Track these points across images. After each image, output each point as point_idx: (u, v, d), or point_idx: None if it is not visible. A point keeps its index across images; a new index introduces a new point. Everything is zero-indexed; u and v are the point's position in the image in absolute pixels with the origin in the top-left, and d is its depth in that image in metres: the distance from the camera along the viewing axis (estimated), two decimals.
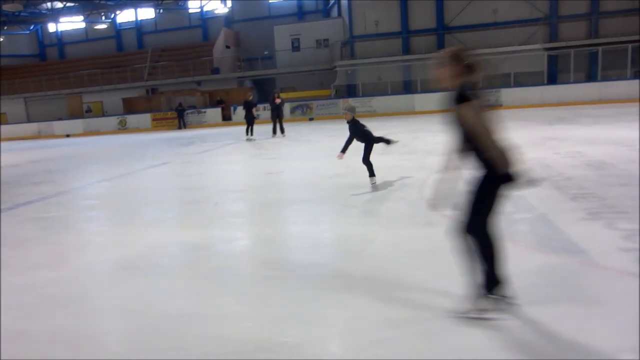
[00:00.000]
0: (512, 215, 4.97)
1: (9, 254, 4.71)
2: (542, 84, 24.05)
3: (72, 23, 36.35)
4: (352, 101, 23.02)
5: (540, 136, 11.02)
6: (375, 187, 6.70)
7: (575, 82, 23.80)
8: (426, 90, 25.60)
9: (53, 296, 3.59)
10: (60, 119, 30.65)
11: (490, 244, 2.75)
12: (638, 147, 8.42)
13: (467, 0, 25.76)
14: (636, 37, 22.81)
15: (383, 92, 25.56)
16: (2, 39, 34.29)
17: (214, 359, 2.58)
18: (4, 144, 23.37)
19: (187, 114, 27.09)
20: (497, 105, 22.84)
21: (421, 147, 10.82)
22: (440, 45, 26.56)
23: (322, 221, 5.48)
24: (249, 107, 15.80)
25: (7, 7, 28.15)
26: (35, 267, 4.27)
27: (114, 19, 36.05)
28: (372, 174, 6.89)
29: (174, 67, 31.20)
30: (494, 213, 2.75)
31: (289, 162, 10.59)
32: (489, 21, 25.50)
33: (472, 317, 2.74)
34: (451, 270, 3.60)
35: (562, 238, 4.06)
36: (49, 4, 33.17)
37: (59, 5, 33.27)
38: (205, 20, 34.78)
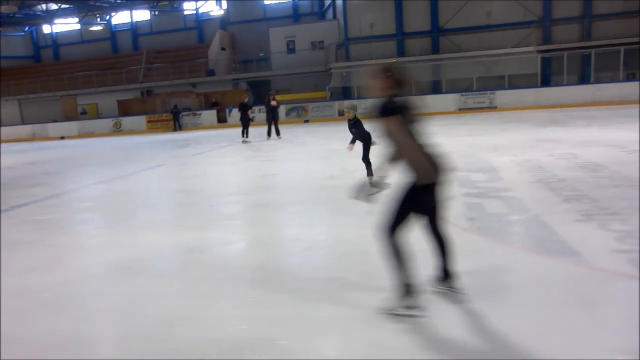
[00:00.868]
0: (506, 216, 5.02)
1: (4, 256, 4.70)
2: (535, 86, 24.20)
3: (67, 25, 36.25)
4: (347, 102, 23.05)
5: (534, 138, 11.10)
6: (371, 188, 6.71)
7: (568, 84, 23.97)
8: (421, 92, 25.73)
9: (48, 299, 3.58)
10: (55, 121, 30.52)
11: (399, 250, 2.88)
12: (630, 149, 8.50)
13: (462, 1, 25.87)
14: (628, 40, 23.01)
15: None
16: None
17: None
18: None
19: (183, 116, 27.05)
20: (493, 107, 22.98)
21: None
22: (435, 47, 26.70)
23: (317, 223, 5.50)
24: (244, 109, 15.79)
25: (1, 9, 28.02)
26: (31, 269, 4.26)
27: (109, 21, 35.98)
28: (370, 172, 6.94)
29: (169, 69, 31.16)
30: (409, 220, 2.91)
31: (284, 165, 10.61)
32: (483, 23, 25.65)
33: (399, 314, 2.87)
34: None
35: (556, 239, 4.09)
36: (43, 6, 33.07)
37: (54, 6, 33.17)
38: (200, 22, 34.77)
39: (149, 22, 35.78)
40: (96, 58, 35.10)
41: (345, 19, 27.59)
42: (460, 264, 3.74)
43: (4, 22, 32.35)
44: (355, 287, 3.42)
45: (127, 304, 3.42)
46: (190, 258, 4.48)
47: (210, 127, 26.44)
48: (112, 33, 36.57)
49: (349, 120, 6.94)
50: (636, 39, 22.82)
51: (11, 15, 30.95)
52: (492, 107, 23.19)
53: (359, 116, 6.99)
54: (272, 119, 15.71)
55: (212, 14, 32.78)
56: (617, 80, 22.82)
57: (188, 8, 34.71)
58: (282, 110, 15.84)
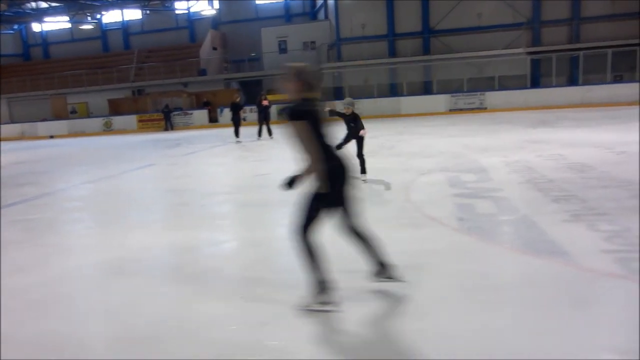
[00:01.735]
0: (496, 217, 5.07)
1: None
2: (525, 87, 24.42)
3: (57, 23, 35.89)
4: (338, 103, 23.08)
5: (524, 139, 11.20)
6: (364, 187, 6.74)
7: (557, 85, 24.22)
8: (412, 93, 25.85)
9: (37, 299, 3.56)
10: (45, 119, 30.20)
11: (312, 248, 2.98)
12: (617, 150, 8.61)
13: (453, 2, 26.01)
14: (616, 42, 23.31)
15: (369, 95, 25.69)
16: None
17: None
18: None
19: (174, 115, 26.91)
20: (483, 108, 23.14)
21: (407, 150, 10.92)
22: (426, 48, 26.82)
23: None
24: (236, 109, 15.75)
25: None
26: (19, 270, 4.22)
27: (99, 20, 35.66)
28: (363, 170, 7.12)
29: (160, 68, 30.97)
30: (321, 220, 3.01)
31: (275, 164, 10.59)
32: (474, 25, 25.81)
33: (314, 310, 2.97)
34: (432, 272, 3.66)
35: (545, 239, 4.14)
36: (33, 4, 32.70)
37: (44, 5, 32.82)
38: (192, 21, 34.60)
39: (141, 21, 35.52)
40: (87, 57, 34.77)
41: (337, 20, 27.63)
42: (450, 263, 3.79)
43: None
44: (347, 287, 3.43)
45: (117, 305, 3.41)
46: (181, 258, 4.47)
47: (202, 126, 26.33)
48: (103, 32, 36.26)
49: (346, 116, 7.10)
50: (623, 42, 23.13)
51: (0, 13, 30.58)
52: (482, 108, 23.35)
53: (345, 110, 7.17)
54: (264, 119, 15.69)
55: (203, 13, 32.63)
56: (605, 82, 23.09)
57: (180, 7, 34.51)
58: (273, 110, 15.87)
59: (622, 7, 23.75)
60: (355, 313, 2.99)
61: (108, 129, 27.84)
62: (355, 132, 7.12)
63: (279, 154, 12.47)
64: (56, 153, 17.15)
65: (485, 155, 9.04)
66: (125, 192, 8.34)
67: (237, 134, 15.53)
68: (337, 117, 7.57)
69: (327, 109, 3.01)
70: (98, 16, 35.21)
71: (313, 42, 29.17)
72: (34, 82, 32.58)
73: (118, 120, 28.08)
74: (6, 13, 31.54)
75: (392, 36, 27.21)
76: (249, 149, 13.64)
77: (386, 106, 24.17)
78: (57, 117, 30.60)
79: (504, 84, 24.94)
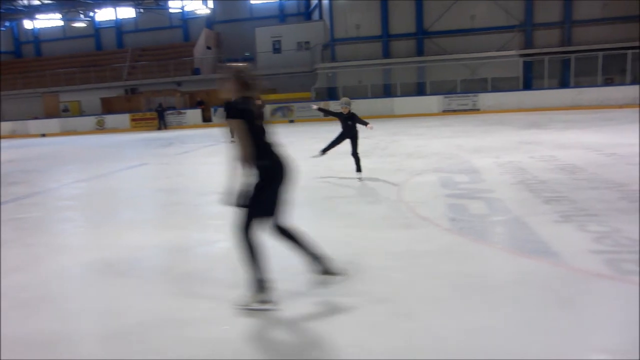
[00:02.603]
0: (488, 217, 5.10)
1: None
2: (517, 89, 24.58)
3: (49, 20, 35.61)
4: (332, 103, 23.09)
5: (516, 140, 11.28)
6: (357, 187, 6.76)
7: (549, 88, 24.41)
8: (405, 94, 25.93)
9: (28, 299, 3.53)
10: (36, 118, 29.96)
11: (252, 247, 3.03)
12: (607, 152, 8.70)
13: (447, 4, 26.13)
14: (606, 46, 23.56)
15: (363, 95, 25.74)
16: None
17: None
18: None
19: (167, 114, 26.80)
20: (476, 110, 23.24)
21: (400, 150, 10.95)
22: (420, 49, 26.92)
23: (301, 223, 5.47)
24: None
25: None
26: (9, 270, 4.19)
27: (92, 18, 35.44)
28: (359, 168, 7.26)
29: (154, 67, 30.85)
30: (259, 219, 3.06)
31: None
32: (467, 27, 25.95)
33: (253, 309, 3.02)
34: (424, 272, 3.68)
35: (535, 240, 4.17)
36: (25, 1, 32.44)
37: (36, 2, 32.56)
38: (186, 20, 34.49)
39: (134, 20, 35.37)
40: (79, 55, 34.56)
41: (332, 20, 27.65)
42: (442, 264, 3.81)
43: None
44: (339, 287, 3.44)
45: (108, 305, 3.39)
46: (173, 258, 4.45)
47: (195, 126, 26.24)
48: (96, 30, 36.04)
49: (344, 115, 7.23)
50: (614, 45, 23.38)
51: None
52: (475, 110, 23.48)
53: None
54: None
55: (198, 12, 32.54)
56: (595, 85, 23.32)
57: (174, 6, 34.38)
58: (267, 110, 15.93)
59: (613, 11, 24.01)
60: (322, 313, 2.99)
61: (101, 128, 27.67)
62: (352, 130, 7.23)
63: None
64: (48, 151, 17.03)
65: (477, 156, 9.09)
66: (117, 191, 8.30)
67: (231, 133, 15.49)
68: (331, 117, 7.65)
69: (261, 104, 3.06)
70: (91, 14, 34.99)
71: (307, 42, 29.18)
72: (25, 79, 32.31)
73: (111, 119, 27.92)
74: None
75: (386, 37, 27.28)
76: None
77: (380, 107, 24.23)
78: (49, 115, 30.36)
79: (497, 85, 25.09)
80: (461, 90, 25.23)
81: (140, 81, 31.13)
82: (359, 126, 7.40)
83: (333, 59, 27.71)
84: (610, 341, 2.57)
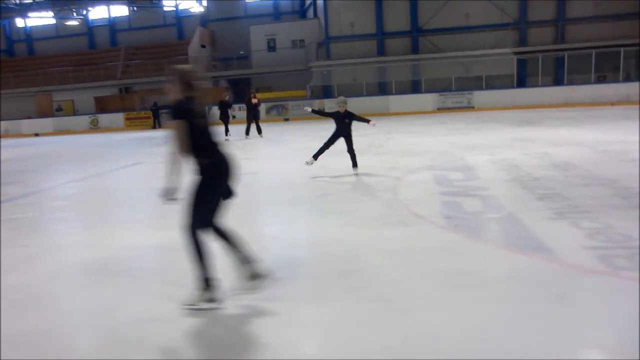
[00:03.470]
0: (483, 214, 5.13)
1: None
2: (512, 87, 24.69)
3: (41, 18, 35.36)
4: (327, 101, 23.09)
5: (510, 137, 11.34)
6: (352, 185, 6.78)
7: (543, 85, 24.53)
8: (400, 91, 25.98)
9: (23, 299, 3.53)
10: (29, 117, 29.77)
11: (199, 246, 3.10)
12: (600, 149, 8.76)
13: (442, 1, 26.18)
14: (599, 44, 23.71)
15: (358, 93, 25.76)
16: None
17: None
18: None
19: (162, 113, 26.70)
20: (470, 107, 23.33)
21: (395, 148, 10.97)
22: (415, 47, 26.97)
23: (297, 222, 5.52)
24: (224, 107, 15.68)
25: None
26: (4, 270, 4.18)
27: (85, 16, 35.22)
28: (355, 164, 7.46)
29: (148, 66, 30.70)
30: (205, 217, 3.14)
31: (264, 163, 10.59)
32: (462, 25, 26.02)
33: (199, 308, 3.07)
34: (419, 270, 3.70)
35: (529, 237, 4.20)
36: None
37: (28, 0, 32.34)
38: (180, 18, 34.35)
39: (128, 18, 35.17)
40: (72, 53, 34.33)
41: (326, 18, 27.64)
42: (437, 261, 3.83)
43: None
44: (335, 285, 3.46)
45: (103, 305, 3.39)
46: (168, 257, 4.45)
47: None
48: (89, 28, 35.80)
49: (340, 114, 7.38)
50: (607, 43, 23.52)
51: None
52: (469, 107, 23.56)
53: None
54: (253, 117, 15.65)
55: (192, 10, 32.43)
56: (589, 83, 23.46)
57: (167, 4, 34.24)
58: (262, 108, 15.83)
59: (606, 9, 24.16)
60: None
61: (94, 127, 27.54)
62: (347, 129, 7.36)
63: (268, 152, 12.46)
64: (41, 151, 16.93)
65: (472, 154, 9.13)
66: (112, 191, 8.27)
67: (226, 132, 15.47)
68: (326, 117, 7.69)
69: (208, 107, 3.11)
70: (84, 12, 34.77)
71: (302, 41, 29.15)
72: (18, 78, 32.07)
73: (105, 118, 27.78)
74: None
75: (381, 35, 27.31)
76: (237, 148, 13.57)
77: (375, 105, 24.26)
78: (42, 114, 30.16)
79: (491, 83, 25.19)
80: (456, 87, 25.30)
81: (134, 80, 30.99)
82: (353, 123, 7.47)
83: (328, 57, 27.71)
84: (604, 336, 2.60)
